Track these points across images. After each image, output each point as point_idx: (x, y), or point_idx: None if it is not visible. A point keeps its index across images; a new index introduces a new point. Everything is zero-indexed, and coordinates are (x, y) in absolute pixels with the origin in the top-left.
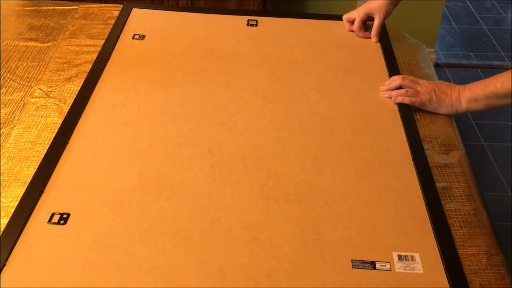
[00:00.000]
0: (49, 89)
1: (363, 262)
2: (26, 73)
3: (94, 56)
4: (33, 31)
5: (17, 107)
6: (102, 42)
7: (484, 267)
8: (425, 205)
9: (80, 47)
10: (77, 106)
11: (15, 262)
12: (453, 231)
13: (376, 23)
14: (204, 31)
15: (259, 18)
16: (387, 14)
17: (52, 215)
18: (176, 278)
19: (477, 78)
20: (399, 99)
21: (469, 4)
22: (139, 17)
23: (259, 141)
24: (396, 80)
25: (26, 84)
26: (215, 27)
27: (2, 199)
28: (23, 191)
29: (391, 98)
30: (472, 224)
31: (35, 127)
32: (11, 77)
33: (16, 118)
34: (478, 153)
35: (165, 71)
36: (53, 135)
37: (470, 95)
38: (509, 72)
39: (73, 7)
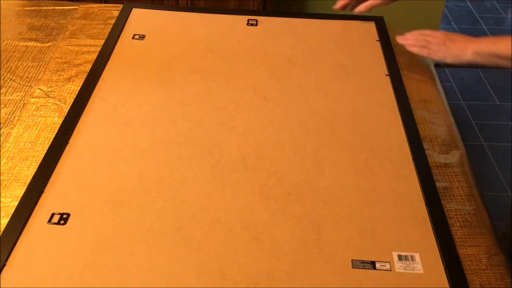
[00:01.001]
0: (49, 89)
1: (363, 262)
2: (26, 73)
3: (94, 56)
4: (33, 31)
5: (17, 107)
6: (102, 42)
7: (484, 267)
8: (425, 205)
9: (80, 47)
10: (77, 106)
11: (15, 262)
12: (453, 231)
13: (371, 2)
14: (204, 31)
15: (259, 18)
16: None
17: (52, 215)
18: (176, 278)
19: (477, 78)
20: (412, 49)
21: (469, 4)
22: (139, 17)
23: (259, 141)
24: (412, 33)
25: (26, 84)
26: (215, 27)
27: (2, 199)
28: (23, 191)
29: (408, 49)
30: (472, 224)
31: (35, 127)
32: (11, 77)
33: (16, 118)
34: (478, 153)
35: (165, 71)
36: (53, 135)
37: (477, 48)
38: None
39: (73, 7)
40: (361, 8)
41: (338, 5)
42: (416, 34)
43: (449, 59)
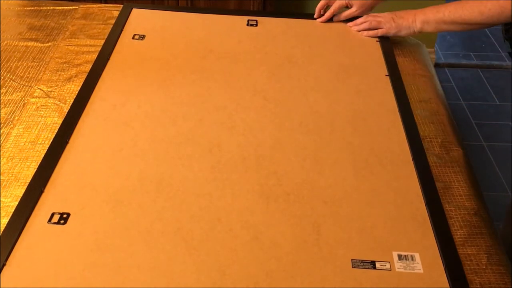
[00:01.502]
0: (49, 89)
1: (363, 262)
2: (26, 73)
3: (94, 56)
4: (33, 31)
5: (17, 107)
6: (102, 42)
7: (484, 267)
8: (425, 205)
9: (80, 47)
10: (77, 106)
11: (15, 262)
12: (453, 231)
13: (349, 11)
14: (204, 31)
15: (259, 18)
16: (365, 9)
17: (52, 215)
18: (176, 278)
19: (477, 78)
20: (365, 33)
21: None
22: (139, 17)
23: (259, 141)
24: (361, 18)
25: (26, 84)
26: (215, 27)
27: (2, 199)
28: (23, 191)
29: (359, 31)
30: (472, 224)
31: (35, 127)
32: (11, 77)
33: (16, 118)
34: (478, 153)
35: (165, 71)
36: (53, 135)
37: (424, 17)
38: (458, 2)
39: (73, 7)
40: (340, 18)
41: (322, 19)
42: (366, 17)
43: (403, 33)
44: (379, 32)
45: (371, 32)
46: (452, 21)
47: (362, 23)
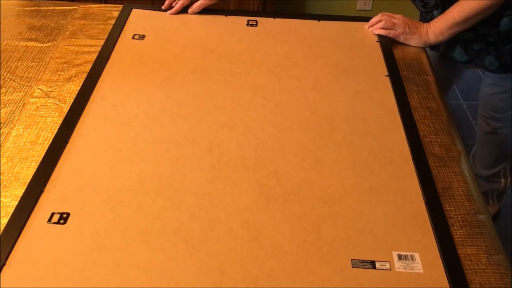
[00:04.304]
0: (49, 89)
1: (363, 261)
2: (26, 73)
3: (94, 56)
4: (33, 31)
5: (17, 107)
6: (102, 42)
7: (484, 267)
8: (425, 205)
9: (80, 47)
10: (77, 106)
11: (15, 262)
12: (453, 231)
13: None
14: (204, 31)
15: (259, 18)
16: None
17: (52, 214)
18: (176, 278)
19: (477, 78)
20: (377, 31)
21: None
22: (139, 17)
23: (259, 141)
24: (376, 17)
25: (26, 84)
26: (215, 27)
27: (2, 199)
28: (23, 191)
29: (374, 32)
30: (472, 224)
31: (35, 127)
32: (11, 77)
33: (16, 118)
34: None
35: (165, 71)
36: (53, 135)
37: (436, 31)
38: (460, 1)
39: (73, 7)
40: (194, 9)
41: (172, 11)
42: (380, 16)
43: (413, 42)
44: (391, 33)
45: (383, 31)
46: (464, 19)
47: (377, 22)
